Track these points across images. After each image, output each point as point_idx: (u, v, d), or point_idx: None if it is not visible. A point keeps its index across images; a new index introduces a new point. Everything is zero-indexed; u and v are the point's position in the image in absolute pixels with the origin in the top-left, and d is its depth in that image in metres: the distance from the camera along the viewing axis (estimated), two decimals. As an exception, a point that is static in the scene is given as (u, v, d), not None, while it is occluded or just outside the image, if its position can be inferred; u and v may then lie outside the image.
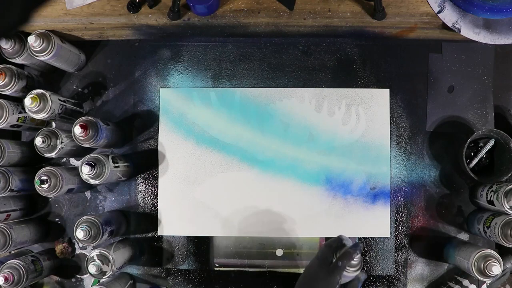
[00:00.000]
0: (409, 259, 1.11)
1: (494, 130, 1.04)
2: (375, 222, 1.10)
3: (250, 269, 1.12)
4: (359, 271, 0.84)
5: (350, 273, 0.83)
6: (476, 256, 0.95)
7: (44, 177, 0.98)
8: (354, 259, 0.81)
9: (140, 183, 1.13)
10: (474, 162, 1.07)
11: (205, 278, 1.12)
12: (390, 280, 1.10)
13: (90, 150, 1.11)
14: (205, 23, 1.04)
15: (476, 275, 0.95)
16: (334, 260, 0.81)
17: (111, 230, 1.03)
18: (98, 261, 0.97)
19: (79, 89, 1.15)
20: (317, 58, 1.13)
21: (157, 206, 1.12)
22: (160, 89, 1.14)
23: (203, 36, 1.11)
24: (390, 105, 1.12)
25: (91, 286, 1.11)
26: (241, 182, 1.11)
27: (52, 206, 1.14)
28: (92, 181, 1.00)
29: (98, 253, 0.98)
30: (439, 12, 0.98)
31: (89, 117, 1.00)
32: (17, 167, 1.06)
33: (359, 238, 1.11)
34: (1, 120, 1.00)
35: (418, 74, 1.12)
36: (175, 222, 1.12)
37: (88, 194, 1.14)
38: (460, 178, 1.11)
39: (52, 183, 0.99)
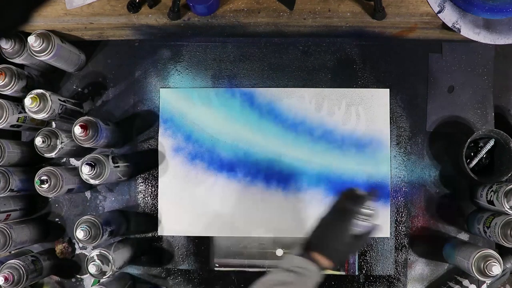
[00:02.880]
0: (409, 259, 1.11)
1: (494, 130, 1.04)
2: (375, 222, 1.09)
3: (250, 269, 1.11)
4: (372, 223, 0.83)
5: (363, 221, 0.81)
6: (476, 256, 0.95)
7: (44, 177, 0.98)
8: (367, 206, 0.81)
9: (140, 183, 1.13)
10: (474, 162, 1.07)
11: (205, 278, 1.12)
12: (390, 280, 1.10)
13: (90, 150, 1.11)
14: (205, 23, 1.04)
15: (476, 275, 0.95)
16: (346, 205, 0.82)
17: (111, 230, 1.03)
18: (98, 261, 0.97)
19: (79, 89, 1.15)
20: (317, 58, 1.13)
21: (157, 206, 1.12)
22: (160, 89, 1.14)
23: (203, 36, 1.11)
24: (390, 105, 1.12)
25: (91, 286, 1.11)
26: (241, 182, 1.11)
27: (52, 206, 1.14)
28: (92, 181, 1.00)
29: (98, 253, 0.98)
30: (439, 12, 0.98)
31: (89, 117, 1.00)
32: (17, 167, 1.06)
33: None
34: (1, 120, 1.00)
35: (418, 74, 1.12)
36: (175, 222, 1.12)
37: (88, 194, 1.14)
38: (460, 178, 1.11)
39: (52, 183, 0.99)
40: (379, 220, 1.08)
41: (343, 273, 1.11)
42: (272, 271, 0.79)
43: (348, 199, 0.83)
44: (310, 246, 0.81)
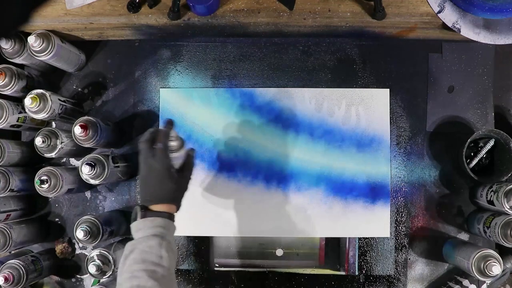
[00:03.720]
0: (409, 259, 1.11)
1: (494, 130, 1.04)
2: (375, 222, 1.10)
3: (250, 269, 1.12)
4: (186, 149, 0.85)
5: (176, 152, 0.83)
6: (476, 256, 0.95)
7: (44, 177, 0.98)
8: (170, 137, 0.85)
9: (140, 183, 1.13)
10: (474, 162, 1.07)
11: (205, 278, 1.11)
12: (390, 280, 1.10)
13: (90, 150, 1.11)
14: (205, 23, 1.04)
15: (476, 275, 0.95)
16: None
17: (111, 230, 1.03)
18: (98, 261, 0.97)
19: (79, 89, 1.15)
20: (317, 58, 1.13)
21: (157, 206, 1.12)
22: (160, 89, 1.14)
23: (203, 36, 1.11)
24: (390, 105, 1.12)
25: (91, 286, 1.11)
26: (241, 182, 1.11)
27: (52, 206, 1.14)
28: (92, 181, 1.00)
29: (98, 253, 0.98)
30: (439, 12, 0.98)
31: (89, 117, 1.00)
32: (17, 167, 1.06)
33: (359, 239, 1.11)
34: (1, 120, 1.00)
35: (418, 74, 1.12)
36: (175, 222, 1.12)
37: (88, 194, 1.14)
38: (460, 178, 1.11)
39: (52, 183, 0.99)
40: (379, 220, 1.10)
41: (343, 273, 1.11)
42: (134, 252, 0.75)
43: (149, 142, 0.83)
44: (147, 203, 0.81)
